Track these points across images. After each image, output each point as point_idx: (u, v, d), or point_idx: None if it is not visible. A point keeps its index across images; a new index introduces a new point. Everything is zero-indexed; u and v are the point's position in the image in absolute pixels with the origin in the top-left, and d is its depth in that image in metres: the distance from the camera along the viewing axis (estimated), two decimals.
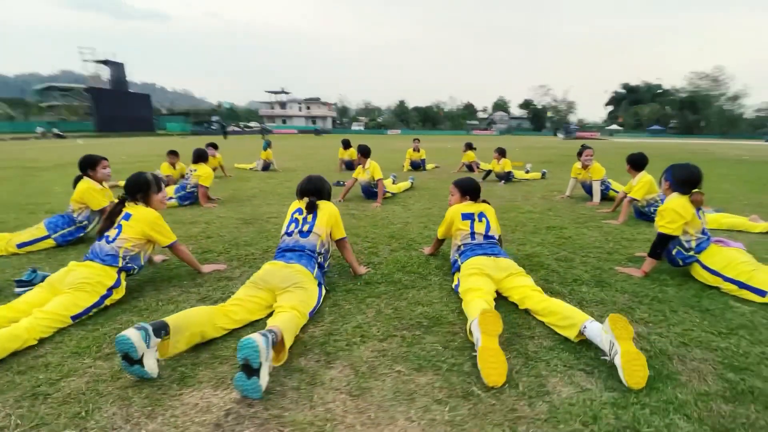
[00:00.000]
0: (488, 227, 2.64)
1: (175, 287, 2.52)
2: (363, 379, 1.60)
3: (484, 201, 2.87)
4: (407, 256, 3.15)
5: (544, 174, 8.10)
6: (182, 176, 6.18)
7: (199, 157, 5.36)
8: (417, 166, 9.52)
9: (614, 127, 66.40)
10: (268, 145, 9.37)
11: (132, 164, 10.15)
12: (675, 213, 2.59)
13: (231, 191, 6.38)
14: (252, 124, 77.19)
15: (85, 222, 3.45)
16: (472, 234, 2.59)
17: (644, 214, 4.29)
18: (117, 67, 42.56)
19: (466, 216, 2.67)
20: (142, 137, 32.95)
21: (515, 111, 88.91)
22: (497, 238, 2.69)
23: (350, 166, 9.36)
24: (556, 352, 1.80)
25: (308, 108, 76.63)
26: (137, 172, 2.57)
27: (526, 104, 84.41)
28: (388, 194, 5.78)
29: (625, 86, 79.09)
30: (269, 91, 78.08)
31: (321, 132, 51.32)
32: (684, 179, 2.67)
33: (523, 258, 3.12)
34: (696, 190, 2.61)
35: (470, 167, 9.09)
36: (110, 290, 2.16)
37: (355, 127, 76.76)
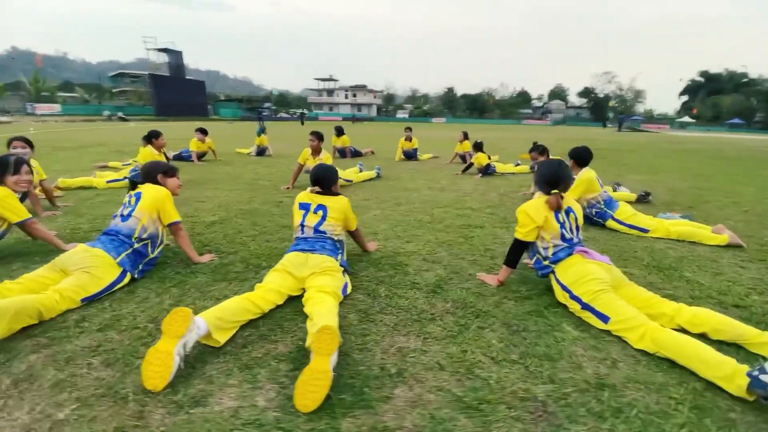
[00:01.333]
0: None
1: None
2: None
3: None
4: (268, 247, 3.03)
5: (533, 168, 7.42)
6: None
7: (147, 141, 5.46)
8: (410, 155, 9.22)
9: (686, 119, 59.62)
10: (262, 131, 9.53)
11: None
12: (526, 216, 2.23)
13: (203, 174, 6.58)
14: (301, 110, 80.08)
15: None
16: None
17: (588, 217, 3.77)
18: (175, 55, 45.55)
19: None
20: (195, 122, 35.23)
21: (574, 100, 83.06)
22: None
23: (343, 153, 9.38)
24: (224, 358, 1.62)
25: (354, 95, 77.16)
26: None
27: (587, 92, 78.32)
28: (342, 181, 5.64)
29: (704, 74, 70.49)
30: (318, 78, 79.61)
31: (358, 120, 51.64)
32: (545, 178, 2.28)
33: (389, 254, 2.88)
34: (555, 191, 2.21)
35: (464, 158, 8.61)
36: None
37: (399, 114, 76.17)
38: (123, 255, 2.32)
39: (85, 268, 2.14)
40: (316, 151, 5.40)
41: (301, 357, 1.64)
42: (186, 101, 43.72)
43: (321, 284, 2.06)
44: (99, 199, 4.54)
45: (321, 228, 2.39)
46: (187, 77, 47.67)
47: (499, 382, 1.52)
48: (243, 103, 71.73)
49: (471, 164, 7.05)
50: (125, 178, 5.34)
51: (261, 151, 9.48)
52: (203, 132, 8.12)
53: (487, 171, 6.80)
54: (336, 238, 2.42)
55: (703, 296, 2.32)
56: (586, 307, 1.98)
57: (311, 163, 5.38)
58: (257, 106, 70.50)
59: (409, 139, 9.15)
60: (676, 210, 4.19)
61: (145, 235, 2.45)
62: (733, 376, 1.45)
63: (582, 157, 3.76)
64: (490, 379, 1.54)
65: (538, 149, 5.77)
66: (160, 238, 2.55)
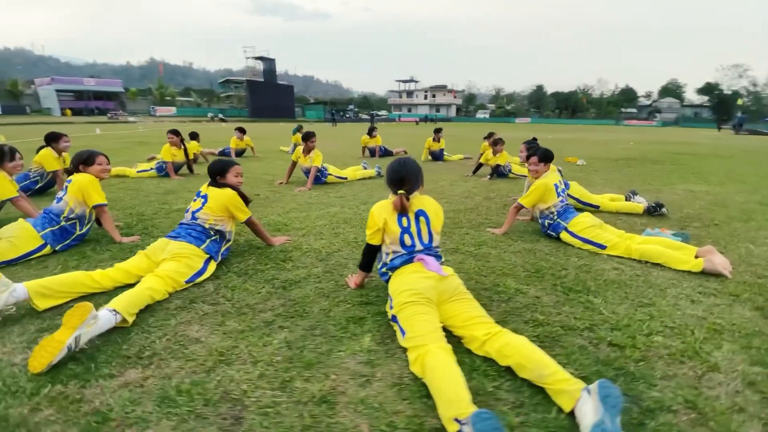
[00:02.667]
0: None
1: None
2: None
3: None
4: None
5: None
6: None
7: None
8: (437, 156, 8.95)
9: None
10: (297, 130, 10.10)
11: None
12: (372, 216, 2.08)
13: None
14: (381, 112, 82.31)
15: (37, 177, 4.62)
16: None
17: (543, 228, 3.32)
18: (269, 63, 50.27)
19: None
20: (280, 122, 38.67)
21: (692, 97, 71.46)
22: None
23: (373, 152, 9.48)
24: None
25: (433, 96, 76.70)
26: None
27: (709, 89, 66.61)
28: (333, 178, 5.76)
29: None
30: (399, 80, 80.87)
31: (428, 120, 51.40)
32: (388, 177, 2.09)
33: (288, 249, 2.90)
34: (401, 191, 2.01)
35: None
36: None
37: (480, 115, 73.74)
38: (48, 230, 2.75)
39: (7, 238, 2.59)
40: (307, 150, 5.58)
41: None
42: (276, 104, 48.00)
43: (162, 268, 2.21)
44: (118, 185, 5.31)
45: (197, 215, 2.54)
46: (278, 82, 52.24)
47: (223, 382, 1.49)
48: (328, 105, 76.34)
49: (480, 165, 6.61)
50: (151, 168, 6.18)
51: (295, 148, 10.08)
52: (242, 131, 8.92)
53: (497, 172, 6.30)
54: (209, 227, 2.54)
55: (586, 326, 1.91)
56: (393, 318, 1.80)
57: (303, 161, 5.59)
58: (341, 108, 74.73)
59: (437, 140, 8.91)
60: (665, 228, 3.44)
61: (72, 215, 2.86)
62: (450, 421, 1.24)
63: (545, 158, 3.34)
64: (226, 377, 1.51)
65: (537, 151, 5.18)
66: (87, 218, 2.95)
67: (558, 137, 20.27)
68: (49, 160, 4.55)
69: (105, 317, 1.71)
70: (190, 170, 6.47)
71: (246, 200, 2.77)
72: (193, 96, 66.25)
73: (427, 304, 1.75)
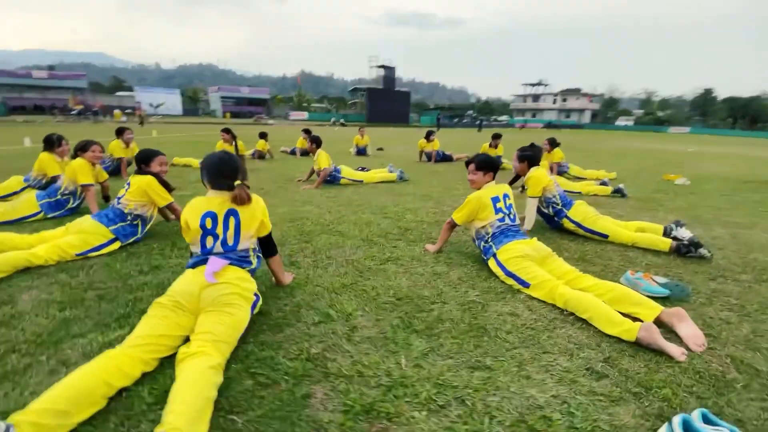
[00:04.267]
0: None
1: None
2: None
3: None
4: None
5: (619, 190, 5.26)
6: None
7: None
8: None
9: None
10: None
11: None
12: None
13: (274, 167, 7.87)
14: (502, 117, 78.27)
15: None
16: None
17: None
18: (389, 71, 52.73)
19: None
20: (392, 127, 40.38)
21: None
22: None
23: (429, 157, 9.11)
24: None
25: (563, 100, 69.56)
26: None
27: None
28: (346, 180, 5.72)
29: None
30: (526, 84, 75.76)
31: (551, 126, 46.65)
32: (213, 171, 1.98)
33: None
34: (238, 182, 1.93)
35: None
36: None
37: (621, 122, 63.88)
38: (45, 201, 3.45)
39: (11, 203, 3.33)
40: (311, 151, 5.70)
41: None
42: (392, 110, 50.10)
43: (60, 239, 2.58)
44: (177, 172, 6.27)
45: (120, 200, 2.89)
46: (396, 89, 54.39)
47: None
48: (445, 111, 76.20)
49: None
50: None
51: (360, 151, 10.35)
52: (308, 133, 9.58)
53: None
54: (128, 211, 2.89)
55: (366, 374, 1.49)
56: None
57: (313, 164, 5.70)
58: (458, 114, 73.97)
59: (494, 146, 8.09)
60: (651, 275, 2.40)
61: (66, 192, 3.52)
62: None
63: (485, 163, 2.73)
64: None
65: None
66: (78, 194, 3.59)
67: (708, 150, 16.27)
68: (116, 149, 5.71)
69: None
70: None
71: (168, 188, 2.99)
72: (325, 103, 73.84)
73: (160, 308, 1.62)
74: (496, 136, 8.17)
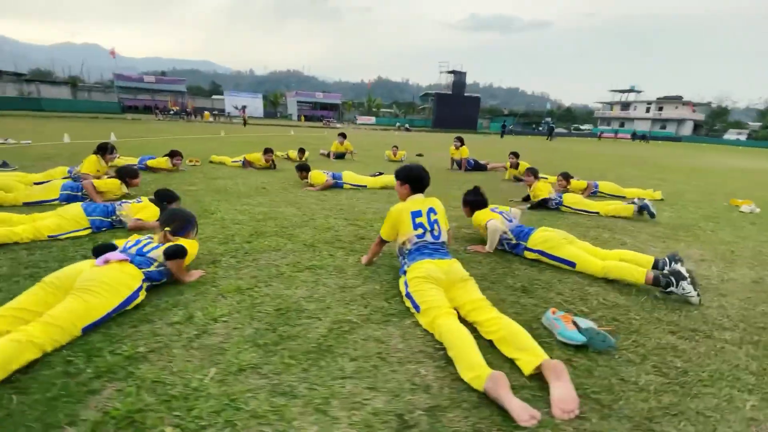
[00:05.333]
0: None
1: None
2: None
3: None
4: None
5: (644, 208, 4.47)
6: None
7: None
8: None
9: None
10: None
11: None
12: None
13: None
14: (585, 126, 72.22)
15: None
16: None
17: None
18: (459, 76, 51.69)
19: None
20: (456, 133, 39.66)
21: None
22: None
23: (459, 164, 8.74)
24: None
25: (659, 109, 62.05)
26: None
27: None
28: (348, 186, 5.73)
29: None
30: (614, 90, 69.11)
31: (639, 137, 41.85)
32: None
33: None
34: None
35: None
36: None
37: (731, 135, 55.18)
38: (66, 192, 3.99)
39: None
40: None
41: None
42: (459, 115, 49.10)
43: (40, 221, 2.92)
44: (206, 168, 6.83)
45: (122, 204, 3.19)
46: (465, 94, 53.12)
47: None
48: (519, 117, 72.47)
49: (547, 200, 5.14)
50: (236, 160, 7.61)
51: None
52: (343, 136, 9.82)
53: (544, 204, 4.83)
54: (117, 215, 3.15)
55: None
56: None
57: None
58: (534, 121, 69.87)
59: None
60: (571, 317, 1.97)
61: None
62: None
63: (406, 176, 2.54)
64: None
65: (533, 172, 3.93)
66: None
67: None
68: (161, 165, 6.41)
69: None
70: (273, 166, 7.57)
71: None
72: (394, 108, 74.91)
73: (38, 285, 1.79)
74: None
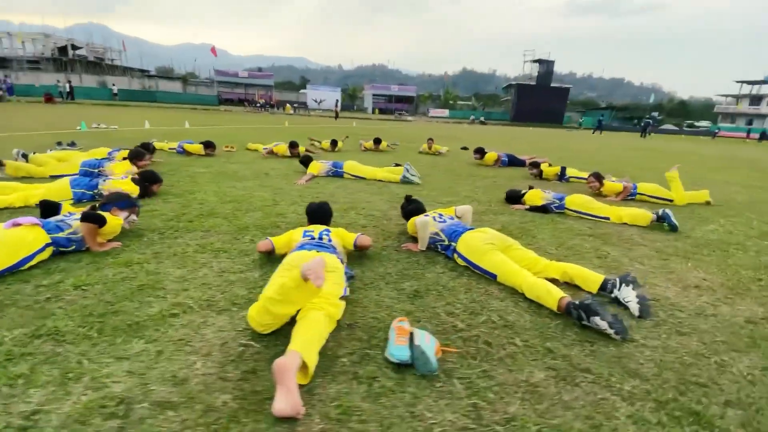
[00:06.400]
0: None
1: None
2: None
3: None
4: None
5: (664, 218, 3.60)
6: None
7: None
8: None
9: None
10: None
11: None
12: None
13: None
14: (702, 123, 61.53)
15: None
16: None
17: None
18: (546, 65, 47.78)
19: None
20: (537, 127, 36.98)
21: None
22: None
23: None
24: None
25: None
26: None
27: None
28: (348, 175, 5.66)
29: None
30: (740, 81, 57.78)
31: None
32: None
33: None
34: None
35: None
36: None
37: None
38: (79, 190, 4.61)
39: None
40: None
41: None
42: (543, 108, 45.57)
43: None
44: (238, 155, 7.32)
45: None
46: (552, 85, 49.01)
47: None
48: (617, 111, 64.53)
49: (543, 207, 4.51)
50: (266, 148, 7.99)
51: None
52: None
53: (543, 211, 4.20)
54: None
55: None
56: None
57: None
58: (638, 116, 61.46)
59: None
60: (406, 330, 1.62)
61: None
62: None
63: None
64: None
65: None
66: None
67: None
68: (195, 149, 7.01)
69: None
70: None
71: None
72: (473, 100, 72.16)
73: None
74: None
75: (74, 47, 48.27)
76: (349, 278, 2.22)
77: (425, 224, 2.77)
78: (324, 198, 4.37)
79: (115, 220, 2.65)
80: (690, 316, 2.14)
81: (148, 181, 3.91)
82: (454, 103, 64.28)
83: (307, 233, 2.44)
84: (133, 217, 2.87)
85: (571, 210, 4.12)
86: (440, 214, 2.98)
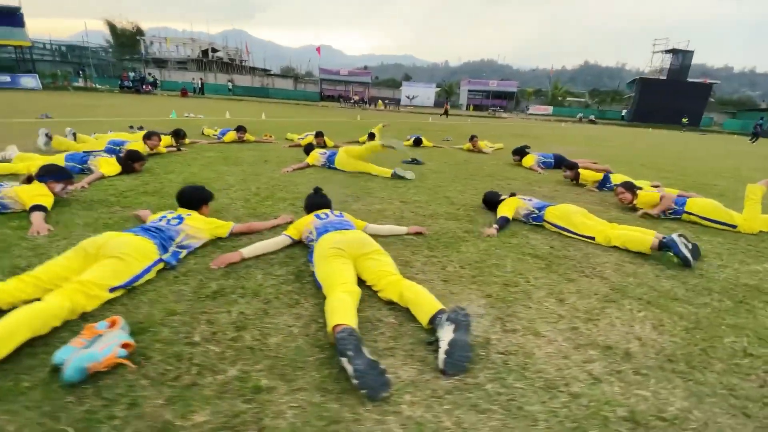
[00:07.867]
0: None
1: None
2: None
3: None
4: None
5: (668, 246, 2.51)
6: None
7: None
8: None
9: None
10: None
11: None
12: None
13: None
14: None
15: None
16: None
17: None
18: (681, 56, 39.85)
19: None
20: (659, 129, 31.36)
21: None
22: None
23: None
24: None
25: None
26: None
27: None
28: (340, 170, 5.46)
29: None
30: None
31: None
32: None
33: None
34: None
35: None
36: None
37: None
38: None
39: None
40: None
41: None
42: (673, 107, 38.21)
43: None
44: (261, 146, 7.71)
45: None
46: (688, 80, 40.81)
47: None
48: None
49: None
50: (302, 137, 8.21)
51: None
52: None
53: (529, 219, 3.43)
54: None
55: None
56: None
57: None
58: None
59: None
60: None
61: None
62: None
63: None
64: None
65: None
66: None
67: None
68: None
69: None
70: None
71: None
72: (586, 96, 64.23)
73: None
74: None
75: (213, 50, 56.82)
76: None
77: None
78: (278, 186, 4.29)
79: (46, 196, 2.88)
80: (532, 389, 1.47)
81: (131, 159, 4.31)
82: (563, 100, 58.19)
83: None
84: (69, 187, 3.16)
85: (549, 223, 3.29)
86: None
